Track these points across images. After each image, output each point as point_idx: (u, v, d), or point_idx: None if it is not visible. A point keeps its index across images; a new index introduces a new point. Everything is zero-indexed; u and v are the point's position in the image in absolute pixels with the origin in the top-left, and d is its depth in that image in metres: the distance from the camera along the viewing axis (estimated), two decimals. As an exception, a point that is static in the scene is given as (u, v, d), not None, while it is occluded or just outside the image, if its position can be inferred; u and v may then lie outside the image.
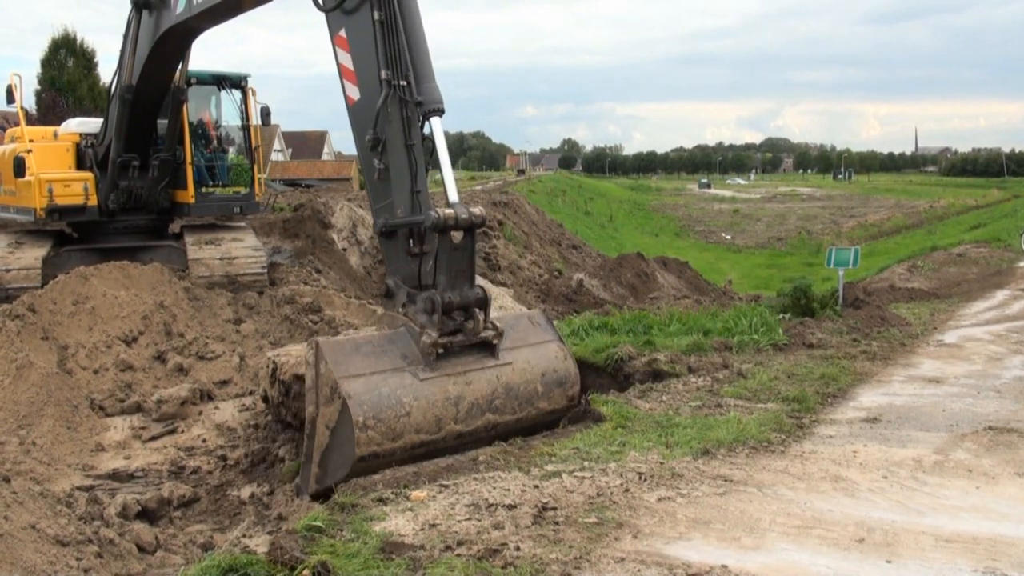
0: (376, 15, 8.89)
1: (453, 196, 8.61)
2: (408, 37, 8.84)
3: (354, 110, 9.51)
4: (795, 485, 5.85)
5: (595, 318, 11.76)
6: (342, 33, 9.51)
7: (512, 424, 8.53)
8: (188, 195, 17.12)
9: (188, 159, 17.05)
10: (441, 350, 8.25)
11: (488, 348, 8.58)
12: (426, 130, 8.98)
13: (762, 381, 8.64)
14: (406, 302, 8.67)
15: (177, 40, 14.52)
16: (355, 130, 9.56)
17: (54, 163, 17.01)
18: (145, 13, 14.47)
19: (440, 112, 8.86)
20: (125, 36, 15.36)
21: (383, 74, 8.85)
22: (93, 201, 16.61)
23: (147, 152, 16.69)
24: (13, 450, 9.97)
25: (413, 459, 7.58)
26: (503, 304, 13.64)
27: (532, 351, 9.09)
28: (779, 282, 39.03)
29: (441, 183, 8.93)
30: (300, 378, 8.50)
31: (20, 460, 9.71)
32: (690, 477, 5.93)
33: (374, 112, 8.97)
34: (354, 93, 9.47)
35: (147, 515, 8.33)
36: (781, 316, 12.34)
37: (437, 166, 8.97)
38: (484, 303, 8.54)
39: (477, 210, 8.56)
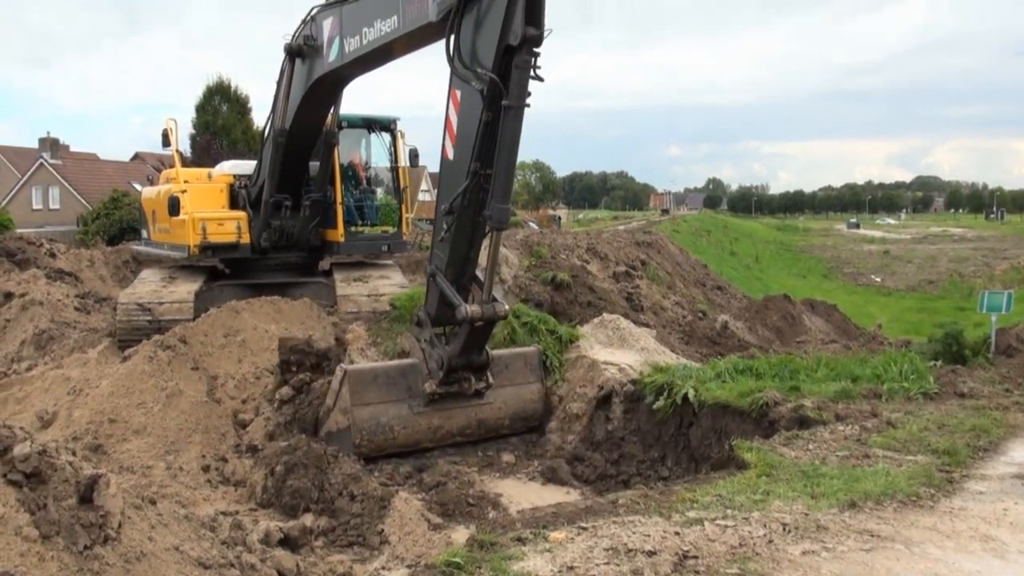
0: (485, 116, 9.46)
1: (487, 294, 10.06)
2: (501, 153, 9.37)
3: (445, 167, 10.51)
4: (943, 544, 5.68)
5: (740, 361, 11.60)
6: (457, 93, 10.11)
7: (473, 441, 11.54)
8: (338, 234, 17.62)
9: (338, 199, 17.53)
10: (436, 397, 10.84)
11: (477, 394, 11.04)
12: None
13: (912, 431, 8.41)
14: (430, 339, 10.68)
15: (329, 87, 15.02)
16: (441, 184, 10.66)
17: (208, 203, 17.65)
18: (299, 61, 15.02)
19: (501, 230, 9.79)
20: (278, 83, 15.90)
21: (473, 165, 9.67)
22: (246, 239, 17.17)
23: (299, 193, 17.20)
24: (160, 474, 10.36)
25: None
26: (645, 346, 13.55)
27: (514, 391, 11.67)
28: (930, 327, 37.83)
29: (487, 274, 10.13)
30: None
31: (166, 484, 10.09)
32: (836, 530, 5.82)
33: (457, 184, 9.96)
34: (450, 152, 10.34)
35: (289, 543, 8.52)
36: (932, 363, 12.00)
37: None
38: (485, 366, 10.81)
39: (502, 308, 10.20)
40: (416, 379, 10.88)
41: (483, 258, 10.43)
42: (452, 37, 9.91)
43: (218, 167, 19.65)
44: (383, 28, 12.04)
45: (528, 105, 9.33)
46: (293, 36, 14.94)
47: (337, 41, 13.52)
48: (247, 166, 18.82)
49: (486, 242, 10.24)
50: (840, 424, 8.91)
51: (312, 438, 10.72)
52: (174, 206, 16.92)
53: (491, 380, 11.00)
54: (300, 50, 14.85)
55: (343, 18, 13.34)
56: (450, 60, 9.94)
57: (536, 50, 9.15)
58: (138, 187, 22.67)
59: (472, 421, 11.38)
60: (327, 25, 13.91)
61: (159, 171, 21.50)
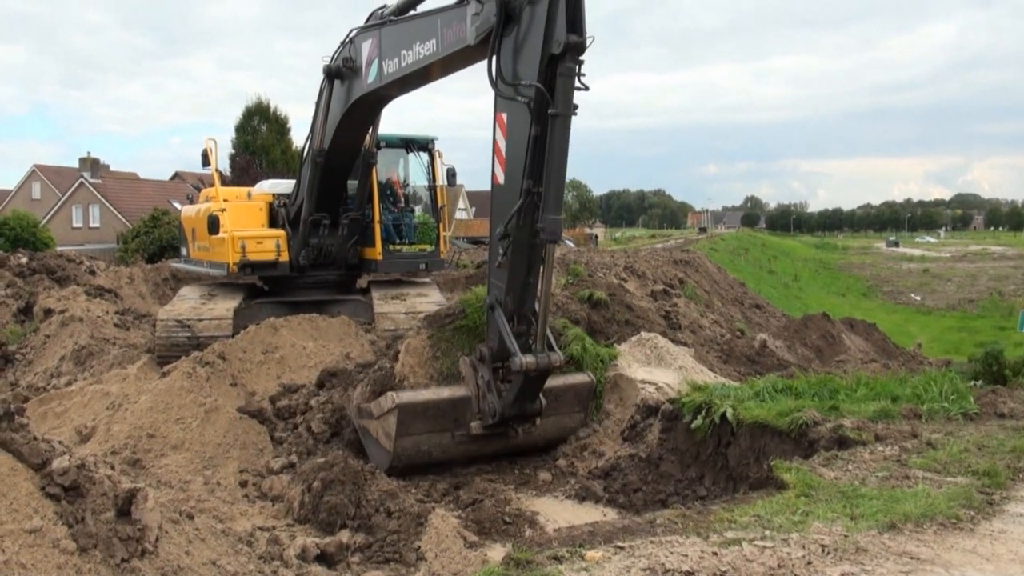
0: (534, 130, 9.44)
1: (541, 342, 9.93)
2: (551, 164, 9.30)
3: (496, 191, 10.32)
4: (983, 567, 5.60)
5: (779, 381, 11.50)
6: (504, 116, 10.11)
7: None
8: (376, 252, 17.75)
9: (376, 218, 17.63)
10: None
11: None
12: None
13: (952, 452, 8.31)
14: (488, 382, 10.42)
15: (368, 107, 15.19)
16: (492, 208, 10.45)
17: (248, 222, 17.81)
18: (337, 83, 15.22)
19: (554, 243, 9.61)
20: (317, 104, 16.08)
21: (525, 183, 9.59)
22: (284, 257, 17.32)
23: (337, 211, 17.34)
24: (198, 489, 10.40)
25: None
26: (683, 364, 13.49)
27: (556, 421, 11.54)
28: (970, 346, 37.53)
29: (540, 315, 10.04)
30: None
31: (204, 499, 10.12)
32: (875, 552, 5.75)
33: (509, 206, 9.82)
34: (500, 176, 10.23)
35: (325, 559, 8.54)
36: (972, 383, 11.86)
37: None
38: (537, 415, 10.71)
39: (556, 358, 10.00)
40: (464, 412, 10.76)
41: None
42: (493, 59, 9.90)
43: (257, 186, 19.85)
44: (422, 51, 12.16)
45: (575, 113, 9.31)
46: (332, 58, 15.15)
47: (376, 63, 13.66)
48: (286, 185, 19.00)
49: None
50: (880, 444, 8.82)
51: (348, 453, 10.76)
52: (214, 224, 17.07)
53: (538, 422, 10.91)
54: (339, 71, 15.03)
55: (382, 40, 13.48)
56: (493, 83, 9.95)
57: (580, 58, 9.18)
58: (177, 206, 22.91)
59: (508, 447, 11.38)
60: (366, 47, 14.07)
61: (199, 190, 21.70)
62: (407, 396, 10.66)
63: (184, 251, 20.54)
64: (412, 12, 13.06)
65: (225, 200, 18.21)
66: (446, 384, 11.19)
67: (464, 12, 10.84)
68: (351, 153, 16.68)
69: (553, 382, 10.96)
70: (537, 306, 10.12)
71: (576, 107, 9.30)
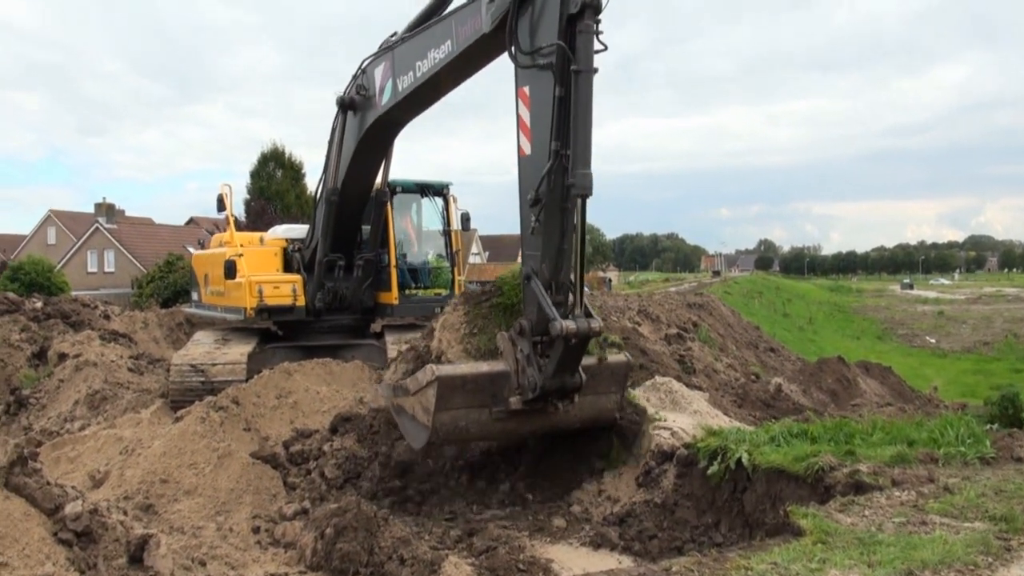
0: (558, 91, 9.78)
1: (580, 310, 10.02)
2: (576, 119, 9.62)
3: (523, 162, 10.57)
4: (1005, 613, 5.54)
5: (794, 425, 11.43)
6: (526, 89, 10.47)
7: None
8: (392, 296, 17.87)
9: (392, 262, 17.71)
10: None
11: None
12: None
13: (969, 497, 8.23)
14: (527, 355, 10.31)
15: (382, 133, 15.42)
16: (520, 180, 10.64)
17: (263, 266, 17.93)
18: (350, 114, 15.47)
19: (586, 196, 9.75)
20: (330, 142, 16.36)
21: (553, 145, 9.81)
22: (301, 302, 17.40)
23: (351, 254, 17.43)
24: (210, 535, 10.36)
25: None
26: (698, 408, 13.43)
27: (593, 400, 11.27)
28: (986, 389, 37.38)
29: (576, 282, 10.19)
30: None
31: (216, 545, 10.09)
32: (894, 599, 5.69)
33: (539, 171, 10.01)
34: (526, 147, 10.52)
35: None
36: (988, 427, 11.78)
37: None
38: (577, 390, 10.56)
39: (596, 324, 10.01)
40: (503, 387, 10.60)
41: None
42: (512, 37, 10.44)
43: (271, 231, 19.95)
44: (437, 56, 12.55)
45: (596, 70, 9.64)
46: (345, 90, 15.35)
47: (390, 83, 14.04)
48: (300, 230, 19.15)
49: None
50: (896, 489, 8.75)
51: (362, 499, 10.70)
52: (230, 269, 17.14)
53: (576, 399, 10.77)
54: (352, 102, 15.33)
55: (395, 60, 13.93)
56: (513, 57, 10.48)
57: (598, 17, 9.58)
58: (192, 251, 23.05)
59: (546, 426, 11.26)
60: (379, 73, 14.45)
61: (212, 235, 21.82)
62: (446, 369, 10.58)
63: (195, 295, 20.60)
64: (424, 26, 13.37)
65: (241, 245, 18.30)
66: (484, 360, 11.13)
67: (479, 5, 11.28)
68: (364, 189, 16.84)
69: (589, 361, 10.96)
70: (573, 276, 10.24)
71: (596, 68, 9.69)
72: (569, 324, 9.73)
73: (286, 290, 17.35)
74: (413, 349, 11.93)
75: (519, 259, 11.09)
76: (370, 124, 14.98)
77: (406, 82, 13.55)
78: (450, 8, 12.54)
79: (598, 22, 9.60)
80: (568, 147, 9.71)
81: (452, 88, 13.55)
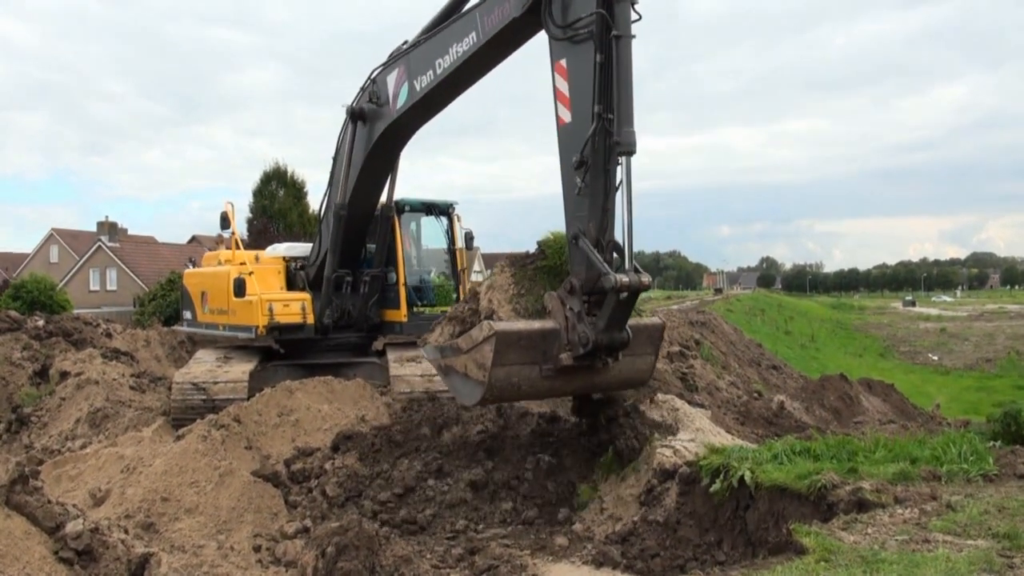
0: (599, 57, 10.35)
1: (630, 265, 10.40)
2: (619, 82, 10.23)
3: (563, 131, 11.08)
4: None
5: (797, 442, 11.38)
6: (563, 62, 11.05)
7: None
8: (401, 314, 18.00)
9: (402, 280, 17.79)
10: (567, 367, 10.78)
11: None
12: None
13: (972, 515, 8.20)
14: (578, 312, 10.62)
15: (391, 142, 15.61)
16: (561, 148, 11.09)
17: (268, 284, 17.89)
18: (359, 125, 15.65)
19: (631, 153, 10.35)
20: (334, 158, 16.61)
21: (596, 108, 10.36)
22: (311, 320, 17.47)
23: (356, 270, 17.47)
24: (211, 554, 10.36)
25: None
26: (700, 426, 13.41)
27: (630, 361, 11.51)
28: (988, 406, 37.29)
29: (624, 241, 10.60)
30: None
31: (217, 564, 10.08)
32: (897, 617, 5.67)
33: (581, 137, 10.54)
34: (565, 116, 11.04)
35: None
36: (991, 444, 11.74)
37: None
38: (625, 346, 10.91)
39: (646, 279, 10.52)
40: (552, 344, 10.87)
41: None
42: (547, 12, 11.04)
43: (270, 249, 19.91)
44: (460, 49, 12.95)
45: (634, 36, 10.35)
46: (354, 100, 15.46)
47: (406, 86, 14.34)
48: (302, 248, 19.20)
49: None
50: (899, 507, 8.72)
51: (363, 517, 10.68)
52: (240, 287, 17.04)
53: (620, 357, 11.15)
54: (362, 112, 15.47)
55: (410, 63, 14.22)
56: (551, 31, 11.07)
57: None
58: (189, 267, 22.82)
59: (587, 384, 11.62)
60: (391, 80, 14.72)
61: (209, 250, 21.75)
62: (503, 325, 10.90)
63: (188, 314, 20.49)
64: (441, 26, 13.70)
65: (241, 263, 18.31)
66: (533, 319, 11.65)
67: None
68: (372, 204, 17.03)
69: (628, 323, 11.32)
70: (619, 236, 10.71)
71: (634, 35, 10.38)
72: (622, 277, 10.17)
73: (295, 308, 17.40)
74: (455, 315, 12.50)
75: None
76: (381, 132, 15.17)
77: (424, 81, 13.81)
78: (471, 3, 12.93)
79: None
80: (610, 110, 10.26)
81: (472, 82, 13.84)
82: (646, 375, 12.37)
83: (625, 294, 10.40)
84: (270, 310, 16.92)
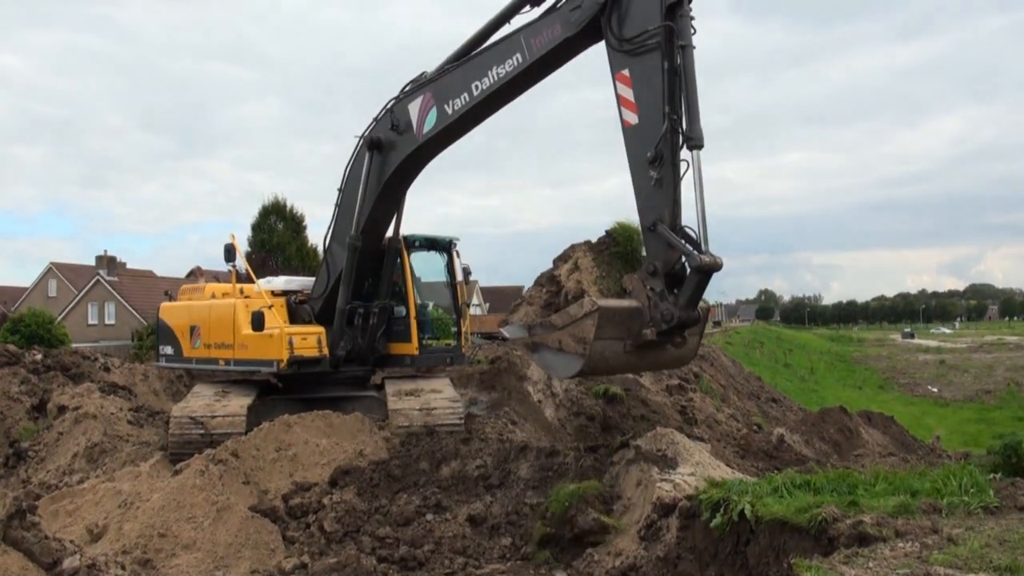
0: (666, 64, 11.56)
1: (707, 246, 11.39)
2: (687, 85, 11.53)
3: (630, 132, 12.20)
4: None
5: (797, 476, 11.35)
6: (625, 72, 12.22)
7: None
8: (412, 347, 18.10)
9: (412, 313, 17.92)
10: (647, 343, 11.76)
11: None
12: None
13: (973, 548, 8.16)
14: (660, 292, 11.66)
15: (412, 166, 16.19)
16: (629, 147, 12.21)
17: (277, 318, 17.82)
18: (375, 154, 15.97)
19: (702, 147, 11.53)
20: (341, 189, 16.92)
21: (666, 108, 11.54)
22: (326, 352, 17.37)
23: (367, 302, 17.53)
24: (209, 591, 10.29)
25: None
26: (700, 460, 13.37)
27: (694, 340, 12.69)
28: (988, 438, 37.24)
29: (698, 226, 11.64)
30: None
31: (215, 601, 10.01)
32: (900, 652, 5.63)
33: (649, 135, 11.74)
34: (631, 119, 12.16)
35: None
36: (991, 476, 11.71)
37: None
38: (698, 321, 12.14)
39: (720, 260, 11.49)
40: (636, 322, 11.78)
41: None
42: (608, 29, 12.33)
43: (265, 281, 19.74)
44: (501, 71, 13.96)
45: (695, 46, 11.68)
46: (370, 129, 15.65)
47: (434, 112, 15.02)
48: (300, 282, 19.20)
49: None
50: (900, 540, 8.68)
51: (361, 553, 10.63)
52: (258, 321, 16.80)
53: (694, 334, 12.57)
54: (379, 141, 15.88)
55: (439, 90, 14.99)
56: (613, 48, 12.29)
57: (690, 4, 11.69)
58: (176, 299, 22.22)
59: (655, 362, 13.37)
60: (414, 107, 15.34)
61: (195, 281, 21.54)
62: (604, 301, 11.85)
63: (170, 349, 19.76)
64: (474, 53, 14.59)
65: (224, 295, 18.34)
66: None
67: (555, 17, 13.14)
68: (381, 235, 17.34)
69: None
70: (695, 225, 11.67)
71: (695, 46, 11.71)
72: (707, 257, 11.24)
73: (312, 341, 17.30)
74: (532, 299, 13.66)
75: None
76: (404, 158, 15.67)
77: (458, 104, 14.62)
78: (513, 27, 14.03)
79: (690, 8, 11.68)
80: (674, 111, 11.51)
81: (507, 101, 14.72)
82: (692, 354, 13.57)
83: (704, 274, 11.36)
84: (290, 343, 16.84)
